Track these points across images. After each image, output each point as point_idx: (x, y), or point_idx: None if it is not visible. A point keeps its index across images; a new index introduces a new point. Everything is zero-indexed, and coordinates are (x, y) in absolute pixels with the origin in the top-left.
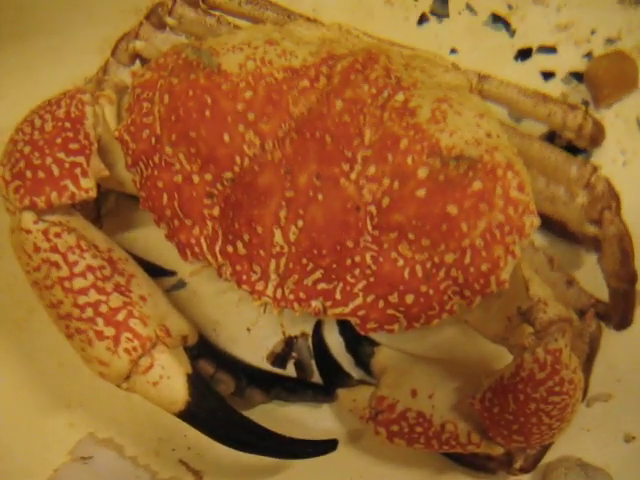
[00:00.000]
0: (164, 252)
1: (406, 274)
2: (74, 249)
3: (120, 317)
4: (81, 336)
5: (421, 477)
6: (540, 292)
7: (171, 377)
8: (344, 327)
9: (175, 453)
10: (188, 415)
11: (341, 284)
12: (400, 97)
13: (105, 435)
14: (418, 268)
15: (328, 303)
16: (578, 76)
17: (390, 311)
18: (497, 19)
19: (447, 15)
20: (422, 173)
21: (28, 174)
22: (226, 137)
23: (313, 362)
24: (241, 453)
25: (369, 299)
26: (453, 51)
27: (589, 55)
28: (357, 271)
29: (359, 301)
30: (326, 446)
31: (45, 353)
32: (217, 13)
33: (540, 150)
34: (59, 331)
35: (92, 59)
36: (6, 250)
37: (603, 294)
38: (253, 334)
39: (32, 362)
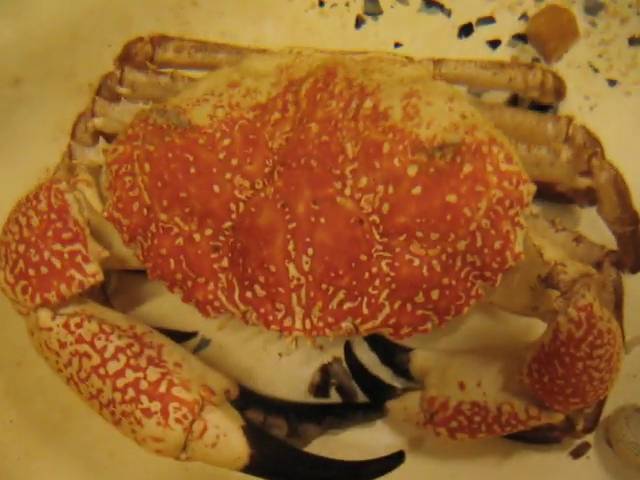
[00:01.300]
0: (179, 316)
1: (425, 271)
2: (99, 335)
3: (162, 389)
4: (129, 419)
5: (492, 464)
6: (554, 255)
7: (227, 434)
8: (373, 342)
9: None
10: (254, 467)
11: (365, 298)
12: (368, 104)
13: None
14: (435, 263)
15: (357, 320)
16: (522, 38)
17: (419, 312)
18: (430, 4)
19: (381, 12)
20: (412, 171)
21: (31, 272)
22: (216, 188)
23: (353, 383)
24: None
25: (396, 306)
26: (397, 45)
27: (525, 16)
28: (377, 282)
29: (387, 310)
30: (394, 460)
31: (93, 448)
32: (169, 70)
33: (512, 117)
34: (105, 420)
35: (48, 147)
36: (25, 355)
37: (610, 244)
38: (289, 372)
39: (83, 461)
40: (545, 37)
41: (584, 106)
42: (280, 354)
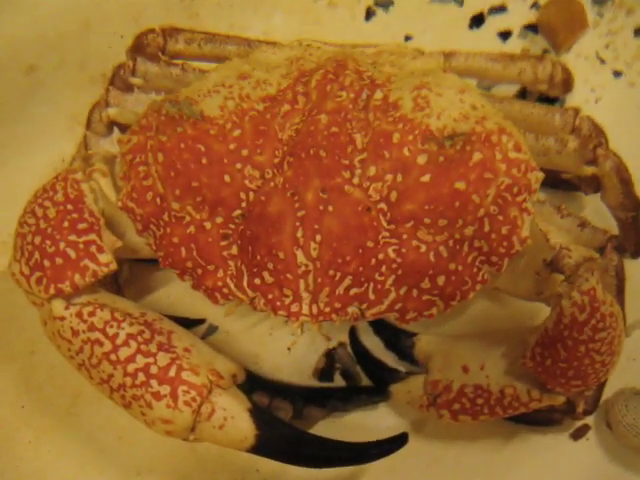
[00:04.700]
0: (188, 304)
1: (432, 257)
2: (111, 322)
3: (172, 373)
4: (139, 402)
5: (494, 447)
6: (560, 240)
7: (235, 416)
8: (378, 327)
9: None
10: (260, 448)
11: (372, 284)
12: (379, 95)
13: None
14: (442, 249)
15: (364, 306)
16: (533, 28)
17: (425, 297)
18: None
19: (392, 3)
20: (421, 160)
21: (46, 263)
22: (226, 178)
23: (358, 368)
24: (318, 470)
25: (402, 291)
26: (408, 38)
27: (536, 5)
28: (384, 268)
29: (393, 296)
30: (397, 441)
31: (101, 431)
32: (180, 62)
33: (521, 109)
34: (115, 404)
35: (63, 138)
36: (38, 344)
37: (612, 230)
38: (294, 356)
39: (91, 443)
40: (555, 27)
41: (590, 98)
42: (289, 348)
